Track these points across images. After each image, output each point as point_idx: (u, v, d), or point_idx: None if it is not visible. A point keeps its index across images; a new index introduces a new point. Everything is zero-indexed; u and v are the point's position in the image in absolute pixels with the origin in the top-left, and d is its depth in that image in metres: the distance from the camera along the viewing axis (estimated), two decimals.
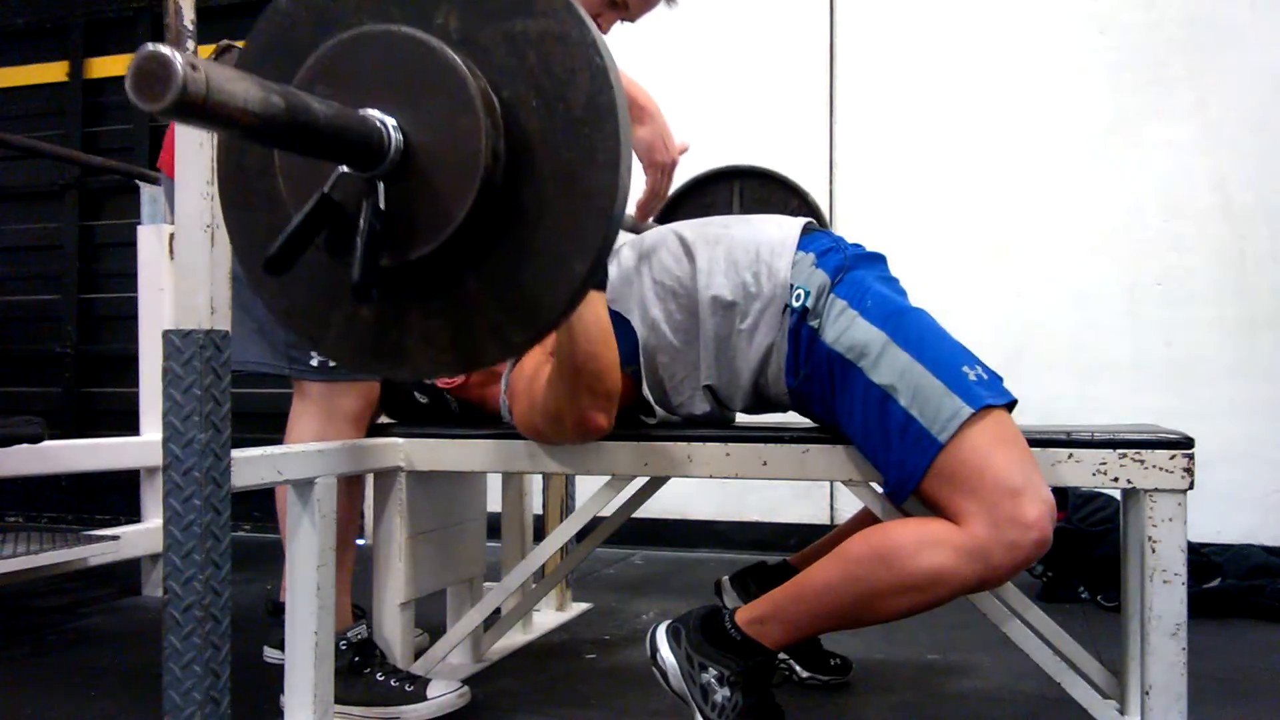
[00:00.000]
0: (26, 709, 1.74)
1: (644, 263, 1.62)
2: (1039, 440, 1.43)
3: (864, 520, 1.70)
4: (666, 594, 2.72)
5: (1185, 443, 1.39)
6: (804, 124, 3.31)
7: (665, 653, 1.49)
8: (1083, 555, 2.55)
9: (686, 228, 1.63)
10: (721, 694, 1.43)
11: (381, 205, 0.87)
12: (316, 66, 0.90)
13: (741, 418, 1.72)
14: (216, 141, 1.11)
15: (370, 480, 1.78)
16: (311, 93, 0.82)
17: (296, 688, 1.44)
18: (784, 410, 1.63)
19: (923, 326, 1.44)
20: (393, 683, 1.62)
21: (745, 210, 2.29)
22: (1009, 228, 3.12)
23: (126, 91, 0.65)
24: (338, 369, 1.66)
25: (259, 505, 3.62)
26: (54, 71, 4.23)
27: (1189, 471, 1.38)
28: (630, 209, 1.74)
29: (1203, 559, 2.52)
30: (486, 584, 2.05)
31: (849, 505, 3.13)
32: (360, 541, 2.04)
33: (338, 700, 1.53)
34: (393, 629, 1.72)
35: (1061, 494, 2.48)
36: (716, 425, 1.64)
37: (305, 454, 1.45)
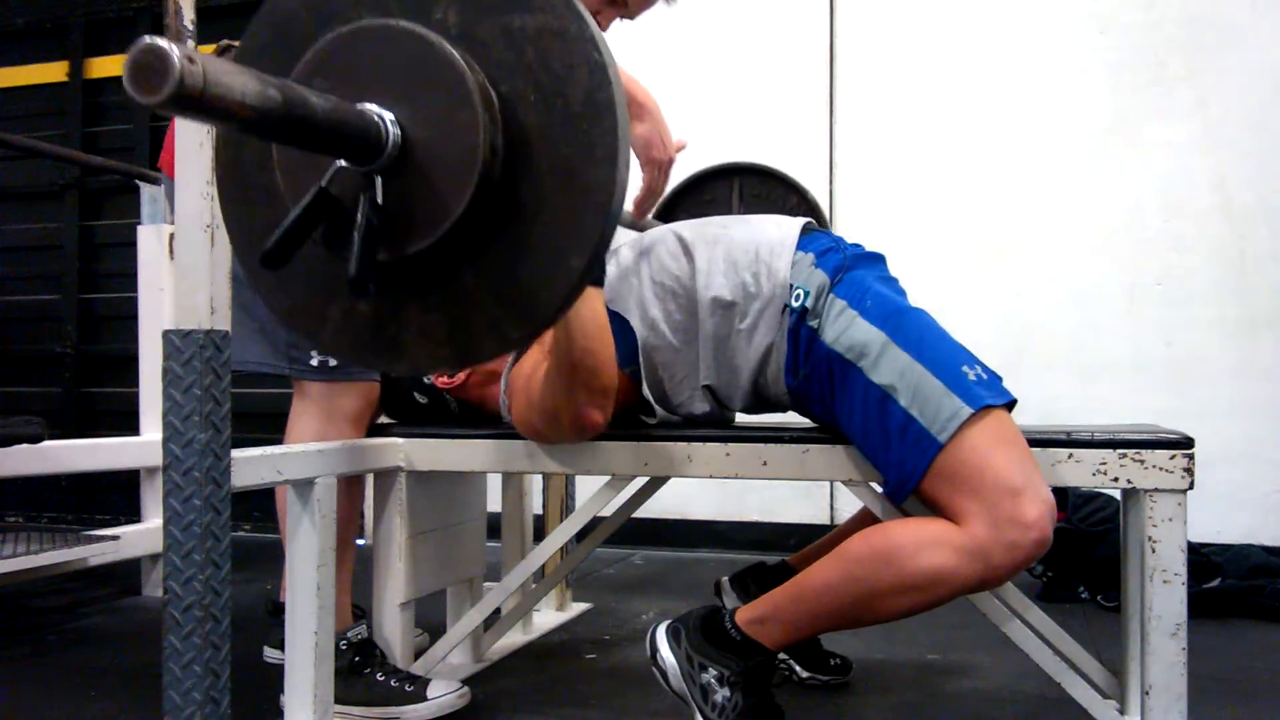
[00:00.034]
0: (26, 709, 1.73)
1: (643, 263, 1.62)
2: (1039, 440, 1.42)
3: (864, 520, 1.70)
4: (666, 594, 2.71)
5: (1185, 443, 1.39)
6: (804, 124, 3.31)
7: (665, 653, 1.49)
8: (1083, 555, 2.54)
9: (686, 228, 1.63)
10: (721, 694, 1.42)
11: (379, 200, 0.87)
12: (315, 60, 0.90)
13: (741, 418, 1.72)
14: (215, 136, 1.10)
15: (370, 480, 1.78)
16: (310, 87, 0.82)
17: (296, 688, 1.44)
18: (784, 410, 1.62)
19: (922, 326, 1.44)
20: (393, 683, 1.62)
21: (745, 206, 2.29)
22: (1009, 228, 3.12)
23: (125, 86, 0.65)
24: (338, 369, 1.66)
25: (259, 505, 3.62)
26: (54, 71, 4.23)
27: (1189, 471, 1.38)
28: (627, 206, 1.74)
29: (1203, 559, 2.51)
30: (486, 584, 2.05)
31: (849, 505, 3.12)
32: (360, 541, 2.04)
33: (338, 700, 1.53)
34: (393, 629, 1.72)
35: (1061, 494, 2.47)
36: (716, 425, 1.63)
37: (305, 454, 1.45)
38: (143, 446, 2.61)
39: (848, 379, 1.43)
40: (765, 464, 1.54)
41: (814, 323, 1.47)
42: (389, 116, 0.87)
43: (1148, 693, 1.37)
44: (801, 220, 1.60)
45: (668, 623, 1.52)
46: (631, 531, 2.54)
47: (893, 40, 3.26)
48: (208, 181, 1.17)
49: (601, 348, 1.45)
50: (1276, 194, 2.90)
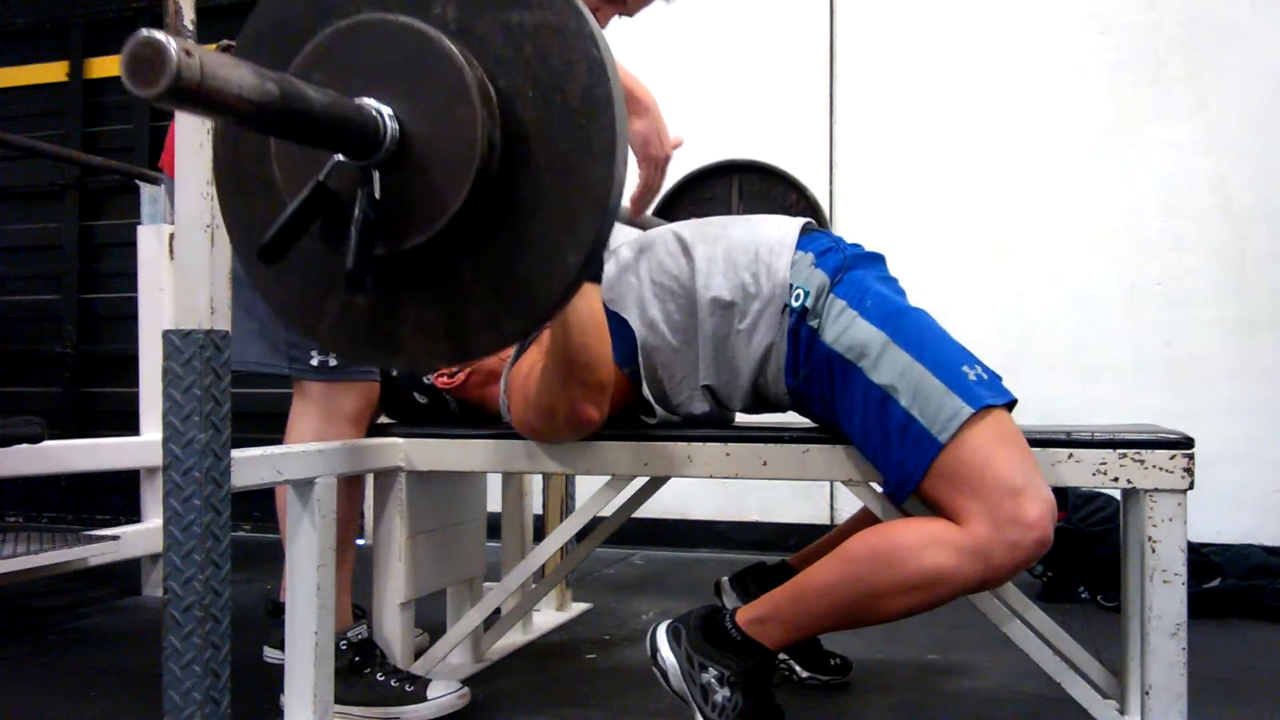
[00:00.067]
0: (26, 709, 1.73)
1: (642, 263, 1.61)
2: (1039, 440, 1.42)
3: (864, 520, 1.69)
4: (666, 594, 2.71)
5: (1185, 443, 1.39)
6: (804, 123, 3.31)
7: (665, 653, 1.49)
8: (1083, 555, 2.54)
9: (685, 227, 1.63)
10: (722, 694, 1.42)
11: (377, 194, 0.87)
12: (313, 54, 0.90)
13: (741, 418, 1.72)
14: (213, 131, 1.10)
15: (370, 480, 1.78)
16: (308, 81, 0.82)
17: (296, 688, 1.44)
18: (784, 410, 1.62)
19: (922, 326, 1.43)
20: (393, 683, 1.61)
21: (744, 204, 2.28)
22: (1009, 228, 3.12)
23: (122, 79, 0.64)
24: (338, 369, 1.66)
25: (259, 505, 3.62)
26: (54, 71, 4.24)
27: (1189, 471, 1.37)
28: (625, 203, 1.74)
29: (1203, 559, 2.51)
30: (486, 584, 2.04)
31: (849, 505, 3.12)
32: (360, 541, 2.04)
33: (338, 700, 1.52)
34: (393, 629, 1.72)
35: (1061, 494, 2.47)
36: (716, 425, 1.63)
37: (305, 454, 1.44)
38: (143, 446, 2.61)
39: (848, 379, 1.42)
40: (765, 464, 1.54)
41: (814, 323, 1.47)
42: (387, 111, 0.87)
43: (1148, 693, 1.37)
44: (801, 220, 1.60)
45: (668, 623, 1.52)
46: (631, 531, 2.54)
47: (893, 40, 3.26)
48: (208, 181, 1.17)
49: (598, 343, 1.45)
50: (1276, 194, 2.90)
